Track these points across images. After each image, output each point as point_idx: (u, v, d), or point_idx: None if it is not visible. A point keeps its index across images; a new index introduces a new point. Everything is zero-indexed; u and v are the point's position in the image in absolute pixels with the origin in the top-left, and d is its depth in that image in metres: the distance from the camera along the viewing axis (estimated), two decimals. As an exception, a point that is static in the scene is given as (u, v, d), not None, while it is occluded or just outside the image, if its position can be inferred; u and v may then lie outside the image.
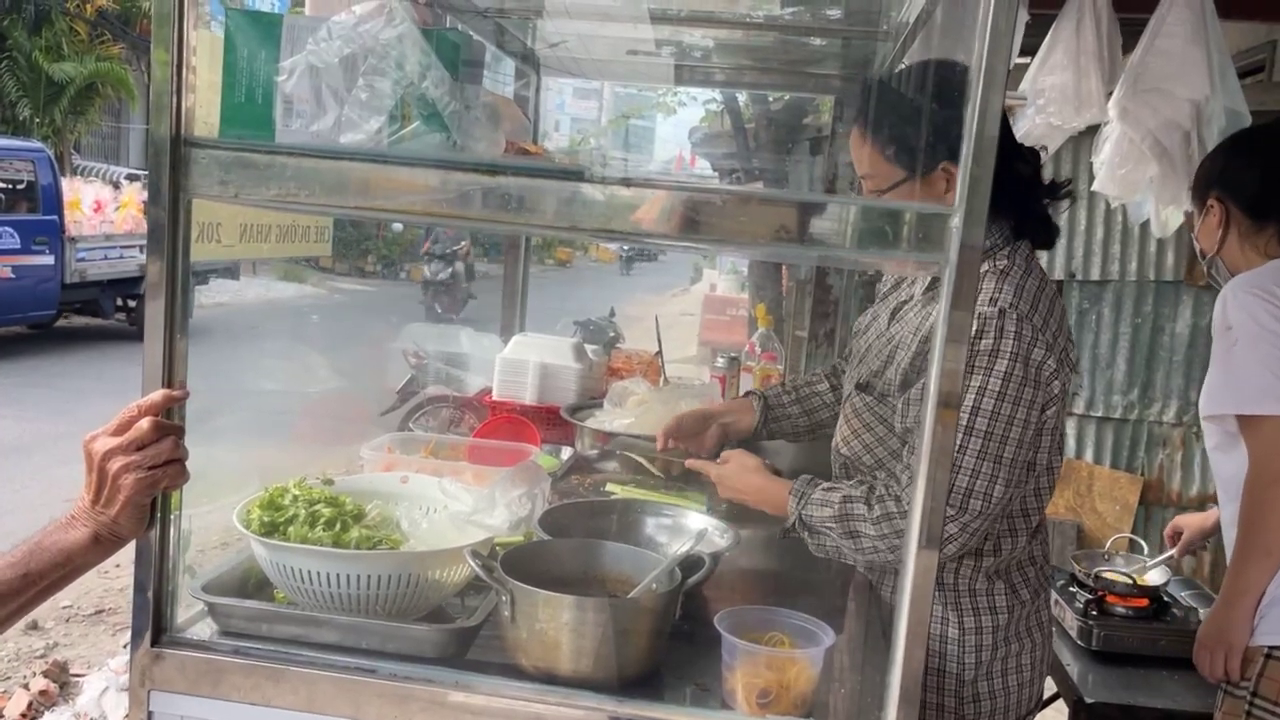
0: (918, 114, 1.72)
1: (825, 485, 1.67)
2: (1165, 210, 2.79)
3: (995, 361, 1.56)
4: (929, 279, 1.77)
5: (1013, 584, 1.74)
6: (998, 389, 1.55)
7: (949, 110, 1.64)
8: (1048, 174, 1.80)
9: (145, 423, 1.22)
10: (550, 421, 2.49)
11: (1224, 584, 2.04)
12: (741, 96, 7.33)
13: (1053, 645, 1.89)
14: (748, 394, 2.20)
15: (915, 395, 1.66)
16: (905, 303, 1.84)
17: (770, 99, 7.05)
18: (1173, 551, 2.58)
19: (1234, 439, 2.01)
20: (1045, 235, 1.76)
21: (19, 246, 10.32)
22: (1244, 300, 1.97)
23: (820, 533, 1.65)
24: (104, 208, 11.66)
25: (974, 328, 1.55)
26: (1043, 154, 1.81)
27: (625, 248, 23.25)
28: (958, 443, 1.53)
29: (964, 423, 1.55)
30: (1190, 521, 2.59)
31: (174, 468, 1.25)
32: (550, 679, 1.32)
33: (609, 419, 2.42)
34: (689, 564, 1.47)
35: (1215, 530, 2.53)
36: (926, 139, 1.65)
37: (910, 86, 1.81)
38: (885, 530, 1.57)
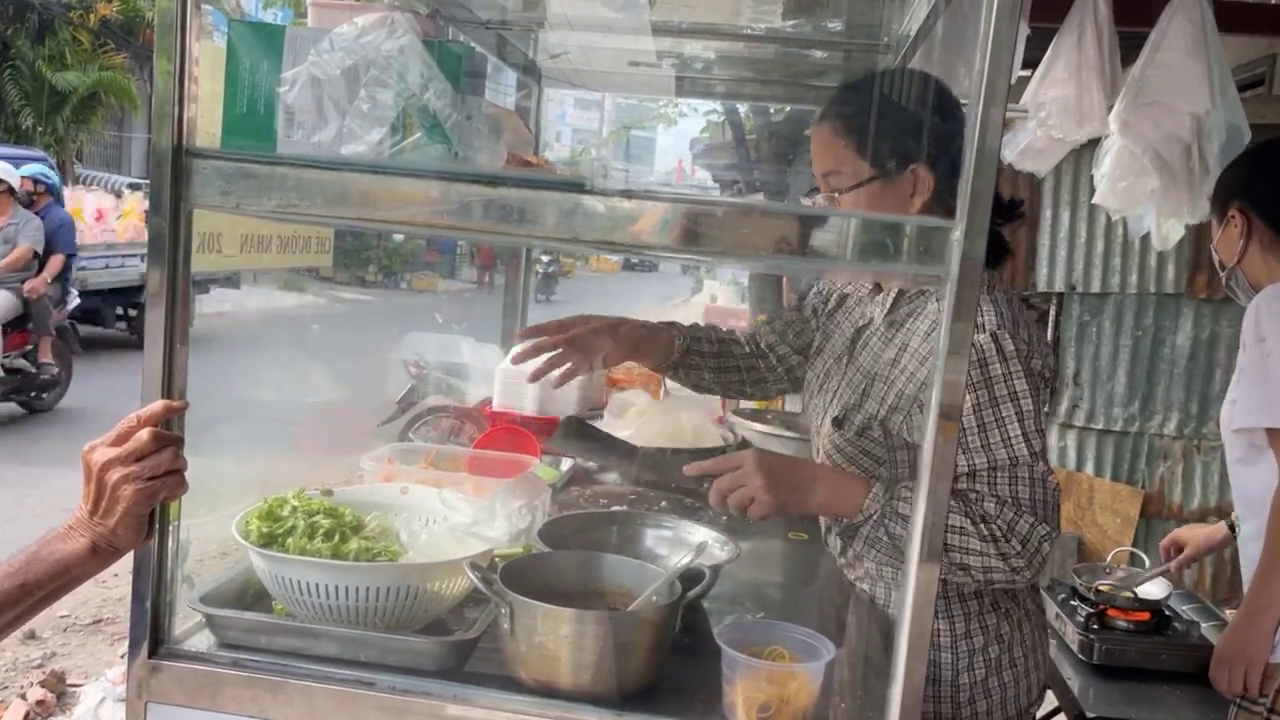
0: (896, 115, 1.69)
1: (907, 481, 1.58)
2: (1166, 223, 2.79)
3: (1013, 383, 1.55)
4: (890, 302, 1.75)
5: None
6: (1021, 409, 1.55)
7: (928, 116, 1.65)
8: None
9: (145, 433, 1.22)
10: (550, 433, 2.48)
11: (1245, 598, 2.02)
12: (742, 108, 7.35)
13: (1048, 640, 1.86)
14: (670, 324, 2.02)
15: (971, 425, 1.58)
16: (864, 328, 1.81)
17: (771, 111, 7.08)
18: (1169, 565, 2.57)
19: (1261, 452, 1.99)
20: (997, 254, 1.73)
21: (20, 255, 10.32)
22: (1278, 311, 1.96)
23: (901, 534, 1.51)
24: (106, 217, 11.67)
25: (971, 356, 1.55)
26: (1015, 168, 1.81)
27: (546, 260, 19.34)
28: (1024, 470, 1.53)
29: (1016, 452, 1.53)
30: (1194, 536, 2.57)
31: (173, 478, 1.24)
32: (549, 692, 1.31)
33: (609, 430, 2.42)
34: (689, 577, 1.46)
35: (1220, 545, 2.52)
36: (902, 139, 1.63)
37: (891, 90, 1.78)
38: (990, 552, 1.50)
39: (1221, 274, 2.23)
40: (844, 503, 1.57)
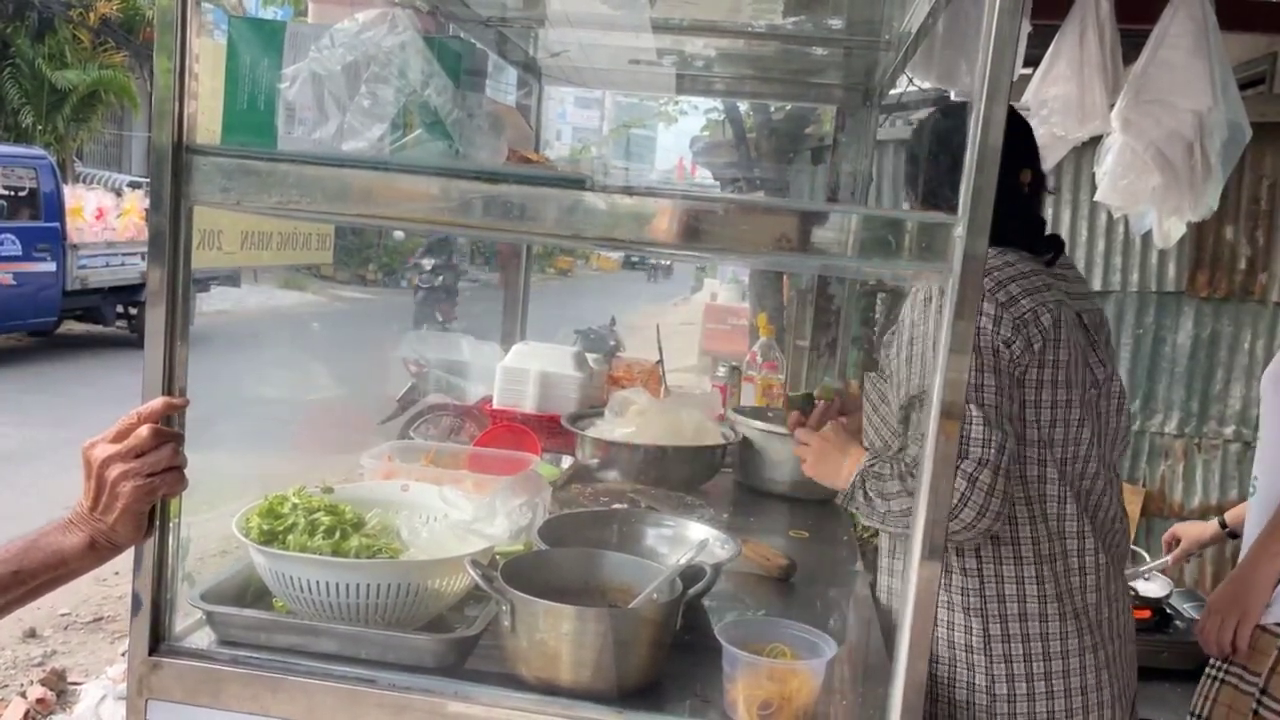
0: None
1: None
2: (1167, 221, 2.79)
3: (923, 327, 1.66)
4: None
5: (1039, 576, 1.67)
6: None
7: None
8: (1049, 184, 1.81)
9: (144, 430, 1.21)
10: (551, 430, 2.49)
11: (1252, 547, 1.94)
12: (743, 106, 7.34)
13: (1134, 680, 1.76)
14: None
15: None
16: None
17: (772, 108, 7.07)
18: (1168, 559, 2.57)
19: None
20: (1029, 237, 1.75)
21: (21, 254, 10.34)
22: None
23: (873, 496, 1.67)
24: (106, 215, 11.67)
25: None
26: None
27: (431, 266, 11.93)
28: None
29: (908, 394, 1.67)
30: (1189, 531, 2.57)
31: (172, 475, 1.24)
32: (550, 689, 1.31)
33: (610, 428, 2.42)
34: (690, 574, 1.46)
35: (1211, 541, 2.52)
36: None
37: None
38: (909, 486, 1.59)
39: None
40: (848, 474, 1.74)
